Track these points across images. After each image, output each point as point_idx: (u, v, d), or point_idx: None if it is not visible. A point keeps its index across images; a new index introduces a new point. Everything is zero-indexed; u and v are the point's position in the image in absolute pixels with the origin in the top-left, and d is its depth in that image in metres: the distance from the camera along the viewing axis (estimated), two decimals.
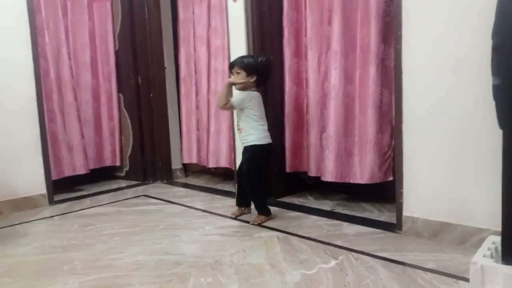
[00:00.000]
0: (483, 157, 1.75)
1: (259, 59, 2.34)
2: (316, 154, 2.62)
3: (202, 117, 3.37)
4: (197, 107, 3.43)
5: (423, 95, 1.90)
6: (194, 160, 3.53)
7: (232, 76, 2.34)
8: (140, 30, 3.49)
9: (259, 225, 2.26)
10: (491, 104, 1.51)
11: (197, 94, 3.41)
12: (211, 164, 3.27)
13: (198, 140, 3.47)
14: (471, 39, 1.74)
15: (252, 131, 2.31)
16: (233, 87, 2.37)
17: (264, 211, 2.36)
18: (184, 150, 3.59)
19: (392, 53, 2.23)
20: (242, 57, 2.37)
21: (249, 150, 2.32)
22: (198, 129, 3.46)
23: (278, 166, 2.77)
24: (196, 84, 3.41)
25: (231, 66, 2.35)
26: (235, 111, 2.42)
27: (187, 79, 3.48)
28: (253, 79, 2.31)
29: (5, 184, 2.70)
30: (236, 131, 2.42)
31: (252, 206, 2.45)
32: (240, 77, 2.29)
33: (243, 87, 2.32)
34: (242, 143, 2.37)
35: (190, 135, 3.53)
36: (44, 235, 2.28)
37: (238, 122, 2.37)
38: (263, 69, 2.34)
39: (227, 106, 2.32)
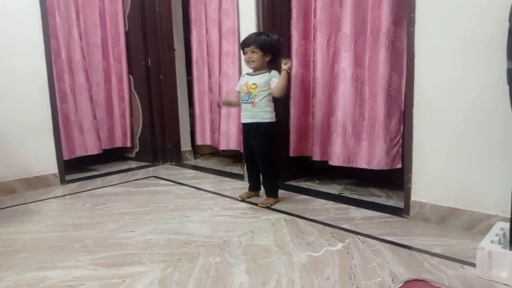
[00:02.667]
0: (493, 143, 1.73)
1: (273, 37, 2.31)
2: (322, 138, 2.61)
3: (215, 99, 3.37)
4: (210, 90, 3.42)
5: (435, 79, 1.87)
6: (207, 142, 3.56)
7: (245, 55, 2.30)
8: (150, 11, 3.48)
9: (268, 207, 2.28)
10: (503, 89, 1.49)
11: (209, 76, 3.41)
12: (222, 146, 3.29)
13: (212, 123, 3.48)
14: (485, 22, 1.70)
15: (268, 108, 2.29)
16: (248, 64, 2.32)
17: (274, 193, 2.37)
18: (198, 132, 3.61)
19: (403, 36, 2.19)
20: (257, 34, 2.31)
21: (264, 128, 2.28)
22: (211, 111, 3.46)
23: (286, 149, 2.78)
24: (208, 66, 3.39)
25: (247, 44, 2.28)
26: (250, 84, 2.30)
27: (200, 61, 3.47)
28: (268, 58, 2.29)
29: (18, 163, 2.76)
30: (244, 105, 2.32)
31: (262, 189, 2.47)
32: (257, 56, 2.27)
33: (259, 67, 2.30)
34: (251, 119, 2.30)
35: (203, 118, 3.54)
36: (56, 214, 2.33)
37: (254, 95, 2.27)
38: (277, 48, 2.33)
39: (284, 86, 2.26)
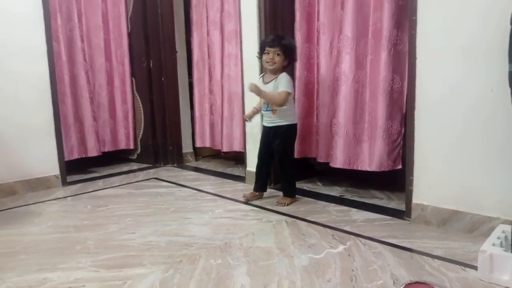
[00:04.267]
0: (494, 146, 1.73)
1: (293, 43, 2.35)
2: (326, 140, 2.61)
3: (216, 101, 3.37)
4: (211, 92, 3.42)
5: (436, 82, 1.87)
6: (207, 144, 3.55)
7: (266, 55, 2.27)
8: (152, 13, 3.49)
9: (286, 205, 2.31)
10: (504, 91, 1.49)
11: (210, 78, 3.41)
12: (225, 148, 3.29)
13: (212, 125, 3.48)
14: (486, 24, 1.70)
15: (289, 112, 2.32)
16: (267, 65, 2.30)
17: (292, 193, 2.41)
18: (197, 134, 3.61)
19: (405, 38, 2.19)
20: (281, 38, 2.28)
21: (285, 130, 2.31)
22: (211, 113, 3.47)
23: None
24: (209, 68, 3.40)
25: (272, 45, 2.25)
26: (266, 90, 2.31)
27: (200, 63, 3.48)
28: (286, 63, 2.31)
29: (19, 164, 2.76)
30: (265, 112, 2.34)
31: (266, 188, 2.50)
32: (279, 59, 2.26)
33: (276, 70, 2.30)
34: (271, 123, 2.34)
35: (203, 120, 3.54)
36: (57, 215, 2.33)
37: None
38: (295, 54, 2.36)
39: (283, 98, 2.25)
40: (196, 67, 3.52)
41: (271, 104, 2.30)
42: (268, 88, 2.30)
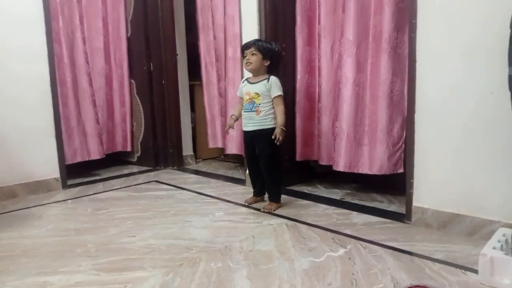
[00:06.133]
0: (495, 149, 1.73)
1: (274, 46, 2.35)
2: (327, 143, 2.62)
3: (225, 103, 3.37)
4: (220, 94, 3.42)
5: (437, 85, 1.87)
6: (219, 145, 3.54)
7: (244, 59, 2.31)
8: (152, 16, 3.50)
9: (270, 213, 2.28)
10: (505, 94, 1.49)
11: (219, 81, 3.41)
12: (229, 151, 3.29)
13: (224, 126, 3.47)
14: (486, 27, 1.71)
15: (272, 115, 2.30)
16: (245, 66, 2.34)
17: (277, 199, 2.38)
18: (209, 135, 3.58)
19: (405, 41, 2.20)
20: (258, 40, 2.35)
21: (269, 133, 2.27)
22: (221, 115, 3.46)
23: (288, 154, 2.78)
24: (217, 71, 3.40)
25: (247, 46, 2.31)
26: (252, 93, 2.30)
27: (209, 66, 3.47)
28: (267, 63, 2.30)
29: (20, 167, 2.76)
30: (248, 113, 2.32)
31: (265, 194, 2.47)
32: (255, 59, 2.28)
33: (257, 70, 2.31)
34: (255, 127, 2.30)
35: (214, 121, 3.53)
36: (58, 218, 2.33)
37: (258, 104, 2.29)
38: (277, 56, 2.36)
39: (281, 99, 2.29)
40: (205, 70, 3.51)
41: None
42: (256, 88, 2.29)
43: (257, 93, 2.28)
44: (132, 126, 3.73)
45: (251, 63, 2.29)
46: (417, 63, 1.92)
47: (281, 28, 2.71)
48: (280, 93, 2.28)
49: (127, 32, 3.60)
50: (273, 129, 2.29)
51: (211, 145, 3.63)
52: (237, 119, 2.44)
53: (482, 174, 1.78)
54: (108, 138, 3.66)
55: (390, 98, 2.28)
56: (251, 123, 2.33)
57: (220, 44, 3.28)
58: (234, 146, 3.23)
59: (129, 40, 3.60)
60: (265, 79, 2.29)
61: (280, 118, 2.28)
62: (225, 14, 3.16)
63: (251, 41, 2.34)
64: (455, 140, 1.85)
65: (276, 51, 2.34)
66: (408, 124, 2.02)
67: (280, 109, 2.29)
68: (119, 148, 3.73)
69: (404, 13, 2.16)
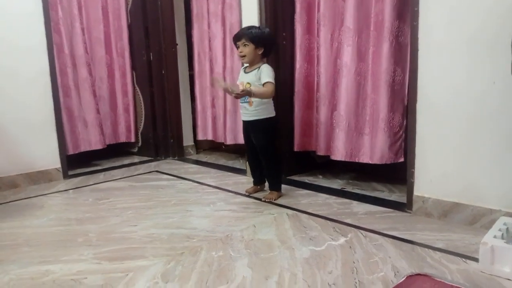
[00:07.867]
0: (497, 138, 1.72)
1: (265, 31, 2.31)
2: (326, 132, 2.60)
3: (218, 94, 3.35)
4: (212, 85, 3.41)
5: (439, 74, 1.86)
6: (209, 137, 3.54)
7: (238, 49, 2.29)
8: (151, 6, 3.47)
9: (270, 202, 2.28)
10: (508, 84, 1.48)
11: (212, 71, 3.39)
12: (229, 141, 3.28)
13: (214, 118, 3.46)
14: (490, 16, 1.69)
15: (266, 105, 2.28)
16: (241, 59, 2.32)
17: (278, 188, 2.38)
18: (199, 127, 3.60)
19: (407, 30, 2.18)
20: (248, 28, 2.29)
21: (264, 123, 2.27)
22: (213, 106, 3.45)
23: (288, 144, 2.77)
24: (211, 61, 3.38)
25: (238, 38, 2.27)
26: (245, 83, 2.27)
27: (202, 56, 3.45)
28: (260, 51, 2.27)
29: (21, 157, 2.77)
30: (243, 104, 2.30)
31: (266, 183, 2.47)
32: (248, 50, 2.25)
33: (252, 60, 2.28)
34: (250, 117, 2.29)
35: (205, 113, 3.52)
36: (59, 208, 2.34)
37: None
38: (269, 41, 2.32)
39: (272, 90, 2.22)
40: (198, 60, 3.50)
41: (262, 99, 2.24)
42: (248, 78, 2.27)
43: (249, 83, 2.26)
44: (135, 116, 3.72)
45: (245, 55, 2.26)
46: (419, 51, 1.91)
47: (280, 16, 2.68)
48: (269, 79, 2.20)
49: (127, 21, 3.57)
50: (268, 119, 2.28)
51: (200, 137, 3.62)
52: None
53: (483, 163, 1.78)
54: (112, 128, 3.65)
55: (391, 87, 2.26)
56: (246, 113, 2.32)
57: (216, 33, 3.25)
58: (236, 136, 3.22)
59: (129, 29, 3.57)
60: (256, 68, 2.27)
61: (257, 89, 2.19)
62: (224, 2, 3.13)
63: (240, 31, 2.30)
64: (456, 129, 1.84)
65: (267, 36, 2.29)
66: (410, 113, 2.01)
67: (265, 89, 2.19)
68: (122, 139, 3.72)
69: (406, 1, 2.14)
